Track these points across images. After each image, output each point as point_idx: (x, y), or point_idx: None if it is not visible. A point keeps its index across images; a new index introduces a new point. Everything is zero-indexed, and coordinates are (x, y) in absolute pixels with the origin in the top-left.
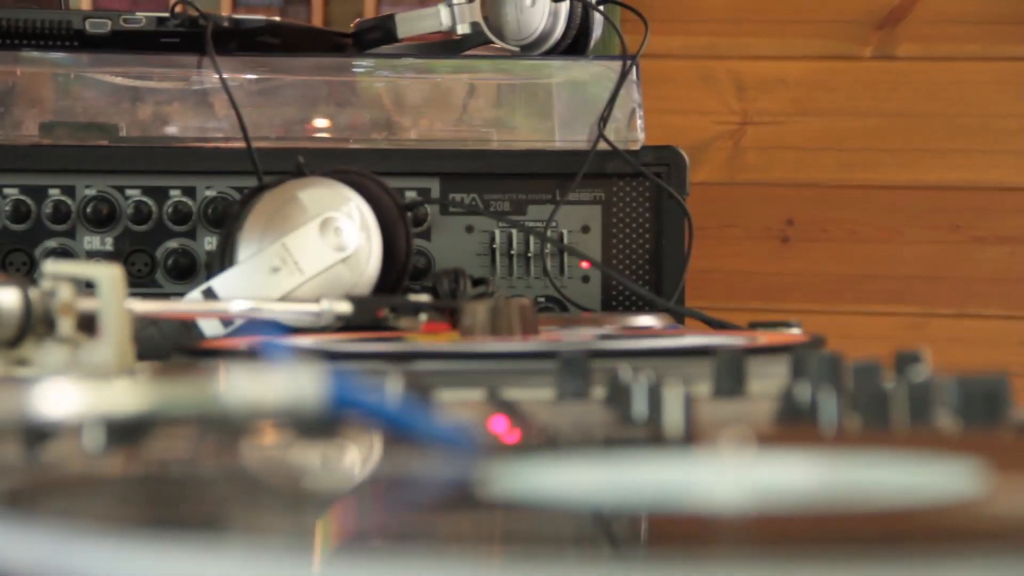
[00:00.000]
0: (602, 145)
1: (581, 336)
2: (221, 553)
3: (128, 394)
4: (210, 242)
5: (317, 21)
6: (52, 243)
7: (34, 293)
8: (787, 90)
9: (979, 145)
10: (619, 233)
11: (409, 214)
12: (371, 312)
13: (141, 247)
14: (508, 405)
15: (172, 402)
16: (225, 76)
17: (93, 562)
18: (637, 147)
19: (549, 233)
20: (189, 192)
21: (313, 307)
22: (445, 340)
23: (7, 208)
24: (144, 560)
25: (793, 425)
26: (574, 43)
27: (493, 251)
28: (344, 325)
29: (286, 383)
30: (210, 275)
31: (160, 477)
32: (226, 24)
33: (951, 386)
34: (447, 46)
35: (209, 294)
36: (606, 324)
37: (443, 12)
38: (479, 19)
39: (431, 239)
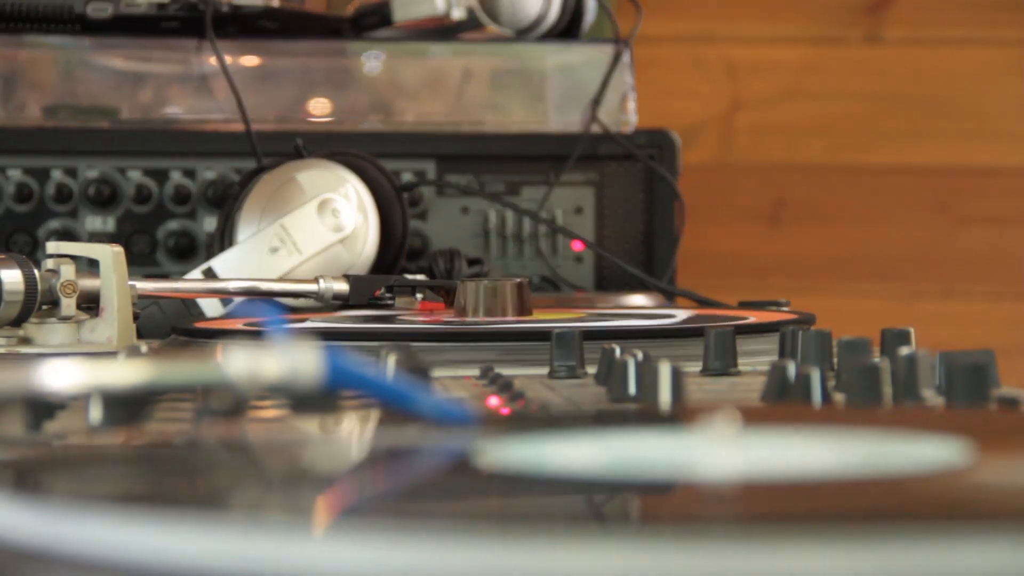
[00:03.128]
0: (595, 128)
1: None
2: (219, 528)
3: (129, 371)
4: (210, 223)
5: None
6: (55, 224)
7: (37, 272)
8: (777, 74)
9: (967, 127)
10: (612, 214)
11: (406, 195)
12: (368, 291)
13: (142, 228)
14: (501, 381)
15: (172, 379)
16: (225, 59)
17: (94, 536)
18: (630, 130)
19: (543, 214)
20: (189, 174)
21: (311, 286)
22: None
23: (11, 189)
24: (143, 534)
25: (781, 401)
26: (568, 27)
27: (488, 232)
28: (342, 304)
29: (284, 360)
30: (210, 255)
31: (159, 453)
32: (225, 8)
33: (937, 363)
34: (443, 30)
35: (209, 274)
36: (599, 303)
37: None
38: (474, 4)
39: (427, 220)
